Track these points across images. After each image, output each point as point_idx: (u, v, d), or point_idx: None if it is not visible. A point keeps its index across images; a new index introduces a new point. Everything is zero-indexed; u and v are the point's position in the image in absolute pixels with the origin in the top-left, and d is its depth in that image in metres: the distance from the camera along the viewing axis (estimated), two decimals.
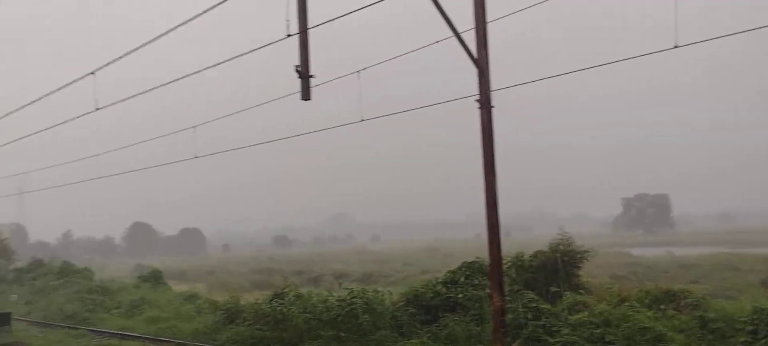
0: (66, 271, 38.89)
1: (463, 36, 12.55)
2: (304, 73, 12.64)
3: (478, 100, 12.56)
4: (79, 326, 24.60)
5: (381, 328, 17.58)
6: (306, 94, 12.71)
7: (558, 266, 18.78)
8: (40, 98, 22.79)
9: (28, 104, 23.35)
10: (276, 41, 14.54)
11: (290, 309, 19.23)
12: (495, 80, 12.69)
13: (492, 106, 12.53)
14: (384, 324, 17.75)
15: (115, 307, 29.20)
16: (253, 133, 32.92)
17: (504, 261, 14.61)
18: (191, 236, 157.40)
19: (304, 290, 22.14)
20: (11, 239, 69.11)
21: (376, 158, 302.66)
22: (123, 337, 21.78)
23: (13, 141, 34.24)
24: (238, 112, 21.09)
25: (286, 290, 21.34)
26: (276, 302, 20.24)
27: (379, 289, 20.16)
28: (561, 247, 19.29)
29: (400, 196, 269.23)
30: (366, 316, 17.84)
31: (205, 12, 14.69)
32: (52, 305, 30.60)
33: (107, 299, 31.02)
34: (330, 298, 19.47)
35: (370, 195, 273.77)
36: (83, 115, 22.64)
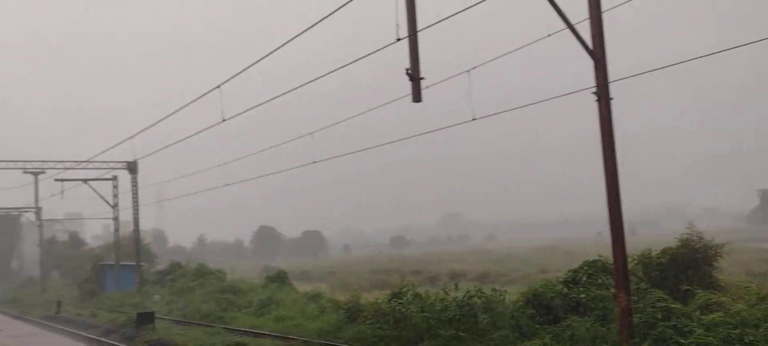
0: (201, 272, 41.49)
1: (577, 27, 12.24)
2: (414, 75, 12.82)
3: (595, 93, 12.18)
4: (214, 325, 26.22)
5: (500, 328, 17.39)
6: (417, 97, 12.89)
7: (689, 263, 17.71)
8: (173, 112, 24.62)
9: (164, 119, 25.28)
10: (386, 46, 14.89)
11: (409, 308, 19.42)
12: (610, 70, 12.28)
13: (610, 99, 12.11)
14: (503, 324, 17.54)
15: (246, 306, 30.82)
16: (366, 136, 33.69)
17: (629, 259, 14.04)
18: (312, 238, 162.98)
19: (421, 290, 22.31)
20: (153, 244, 74.89)
21: (488, 157, 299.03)
22: (254, 335, 22.93)
23: (152, 153, 37.13)
24: (351, 117, 21.79)
25: (403, 289, 21.60)
26: (395, 301, 20.51)
27: (497, 288, 19.95)
28: (691, 243, 18.17)
29: (515, 194, 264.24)
30: (485, 316, 17.72)
31: (321, 20, 15.28)
32: (190, 305, 32.75)
33: (238, 298, 32.79)
34: (446, 297, 19.50)
35: (483, 194, 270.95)
36: (211, 126, 24.28)
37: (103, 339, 23.82)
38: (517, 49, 14.65)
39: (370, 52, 16.08)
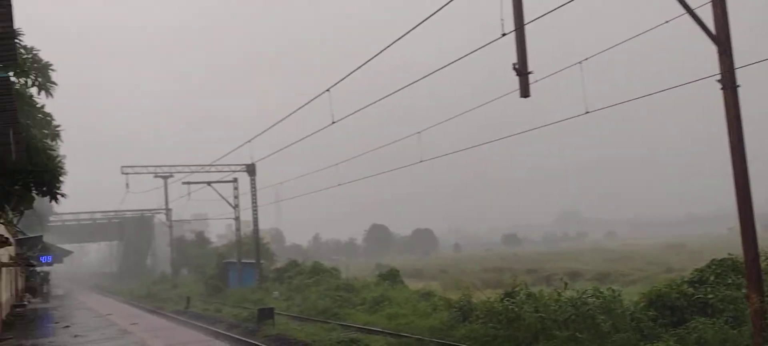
0: (317, 270, 42.77)
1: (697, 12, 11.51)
2: (522, 70, 12.58)
3: (720, 81, 11.40)
4: (330, 321, 26.98)
5: (620, 330, 16.68)
6: (525, 92, 12.64)
7: None
8: (287, 116, 25.56)
9: (279, 122, 26.30)
10: (492, 42, 14.70)
11: (522, 308, 19.07)
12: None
13: (737, 86, 11.29)
14: (624, 326, 16.82)
15: (359, 303, 31.45)
16: (477, 134, 33.41)
17: (762, 257, 13.03)
18: (423, 236, 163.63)
19: (535, 290, 21.82)
20: (271, 243, 78.14)
21: (604, 152, 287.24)
22: (367, 332, 23.35)
23: (269, 155, 38.73)
24: (458, 115, 21.66)
25: (517, 288, 21.23)
26: (507, 300, 20.22)
27: (615, 288, 19.14)
28: None
29: (635, 191, 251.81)
30: (603, 317, 17.07)
31: (428, 18, 15.33)
32: (307, 301, 33.85)
33: (352, 295, 33.51)
34: (560, 297, 18.95)
35: (601, 191, 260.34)
36: (322, 129, 24.99)
37: (227, 333, 25.14)
38: (632, 38, 13.98)
39: (475, 49, 15.97)
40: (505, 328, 18.96)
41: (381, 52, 17.67)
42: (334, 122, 22.87)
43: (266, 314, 26.62)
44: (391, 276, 36.94)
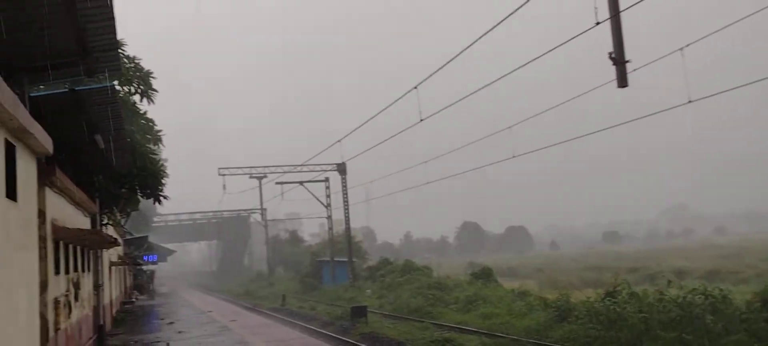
0: (408, 269, 42.75)
1: None
2: (618, 59, 11.95)
3: None
4: (423, 320, 26.83)
5: (731, 332, 15.58)
6: (622, 82, 12.02)
7: None
8: (376, 115, 25.61)
9: (368, 121, 26.40)
10: (586, 30, 14.03)
11: (624, 308, 18.22)
12: None
13: None
14: (736, 328, 15.69)
15: (452, 302, 31.14)
16: (573, 127, 32.27)
17: None
18: (517, 234, 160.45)
19: (638, 289, 20.78)
20: (363, 241, 79.04)
21: (710, 141, 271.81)
22: (461, 331, 23.03)
23: (359, 154, 39.04)
24: (551, 107, 20.93)
25: (618, 288, 20.32)
26: (609, 300, 19.38)
27: (723, 287, 17.92)
28: None
29: (746, 182, 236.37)
30: (711, 318, 16.00)
31: (515, 11, 14.85)
32: (399, 300, 33.88)
33: (444, 294, 33.23)
34: (665, 297, 17.95)
35: (708, 184, 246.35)
36: (410, 127, 24.86)
37: (322, 331, 25.52)
38: (738, 21, 12.95)
39: (568, 39, 15.33)
40: (607, 329, 18.20)
41: (470, 45, 17.35)
42: (421, 120, 22.73)
43: (359, 312, 26.82)
44: (485, 275, 36.41)
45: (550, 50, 15.43)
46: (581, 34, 14.87)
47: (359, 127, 29.25)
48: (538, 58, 16.20)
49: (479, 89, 19.68)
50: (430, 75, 19.74)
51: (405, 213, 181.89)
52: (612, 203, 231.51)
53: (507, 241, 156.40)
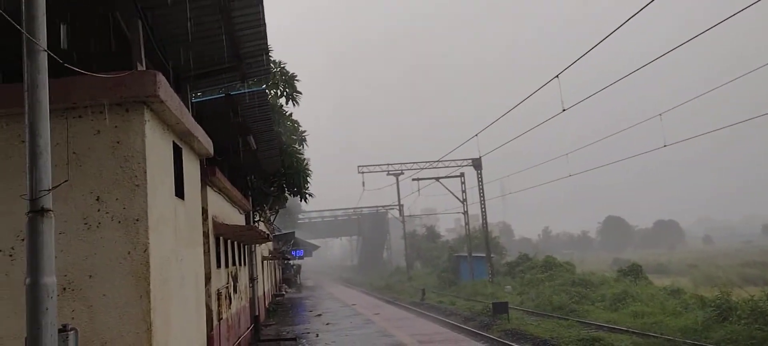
0: (549, 265, 41.54)
1: None
2: None
3: None
4: (568, 317, 25.94)
5: None
6: None
7: None
8: (513, 107, 25.10)
9: (505, 114, 25.96)
10: (751, 4, 12.90)
11: None
12: None
13: None
14: None
15: (598, 300, 29.84)
16: (734, 113, 29.80)
17: None
18: (667, 228, 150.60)
19: None
20: (500, 236, 77.89)
21: None
22: (609, 330, 22.01)
23: (495, 149, 38.49)
24: (708, 91, 19.42)
25: None
26: None
27: None
28: None
29: None
30: None
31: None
32: (541, 296, 33.00)
33: (589, 291, 31.93)
34: None
35: None
36: (551, 117, 24.12)
37: (463, 326, 25.46)
38: None
39: (730, 15, 14.15)
40: None
41: (615, 30, 16.49)
42: (564, 110, 21.97)
43: (501, 308, 26.45)
44: (633, 271, 34.61)
45: (717, 24, 14.32)
46: (743, 10, 13.72)
47: (497, 120, 28.84)
48: (703, 32, 15.10)
49: (623, 77, 18.69)
50: (573, 62, 18.99)
51: (543, 208, 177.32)
52: None
53: (655, 236, 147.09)
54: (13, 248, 6.95)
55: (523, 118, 28.43)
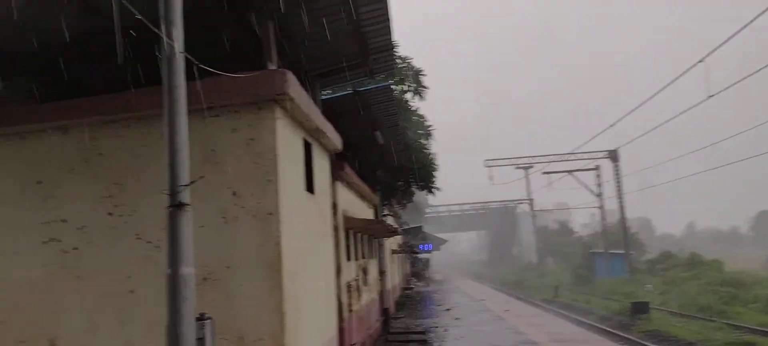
0: (694, 262, 38.86)
1: None
2: None
3: None
4: (715, 319, 24.04)
5: None
6: None
7: None
8: (653, 96, 23.59)
9: (643, 103, 24.46)
10: None
11: None
12: None
13: None
14: None
15: (752, 301, 27.44)
16: None
17: None
18: None
19: None
20: (639, 232, 73.82)
21: None
22: (765, 334, 20.12)
23: (633, 139, 36.55)
24: None
25: None
26: None
27: None
28: None
29: None
30: None
31: None
32: (685, 296, 30.84)
33: (740, 292, 29.48)
34: None
35: None
36: (696, 105, 22.42)
37: (598, 326, 24.33)
38: None
39: None
40: None
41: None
42: (710, 96, 20.34)
43: (640, 308, 25.04)
44: None
45: None
46: None
47: (635, 109, 27.28)
48: None
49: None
50: (720, 45, 17.50)
51: (686, 202, 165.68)
52: None
53: None
54: (160, 240, 7.44)
55: (666, 107, 26.69)
